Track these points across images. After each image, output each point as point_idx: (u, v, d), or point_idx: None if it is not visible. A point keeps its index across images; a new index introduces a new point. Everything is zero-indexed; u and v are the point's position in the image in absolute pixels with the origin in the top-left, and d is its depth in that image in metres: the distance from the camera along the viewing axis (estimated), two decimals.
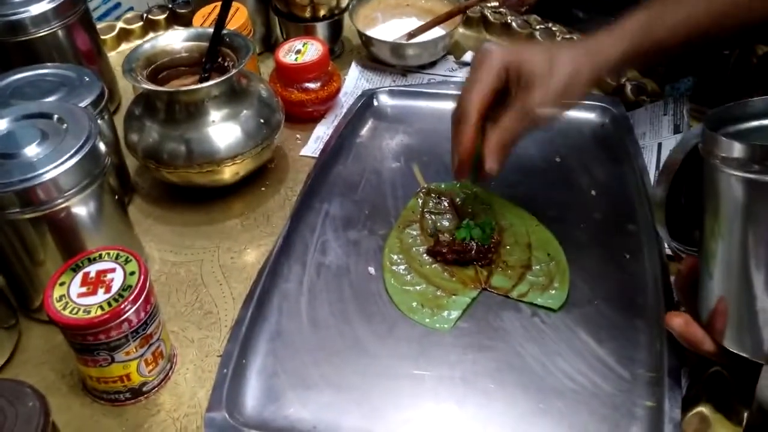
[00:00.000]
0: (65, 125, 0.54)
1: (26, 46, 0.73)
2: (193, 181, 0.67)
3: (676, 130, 0.71)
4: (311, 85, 0.77)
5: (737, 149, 0.38)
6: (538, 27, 0.89)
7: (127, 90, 0.84)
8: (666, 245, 0.50)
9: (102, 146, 0.55)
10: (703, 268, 0.43)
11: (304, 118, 0.79)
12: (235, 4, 0.75)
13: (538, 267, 0.60)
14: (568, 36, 0.86)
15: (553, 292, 0.58)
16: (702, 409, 0.48)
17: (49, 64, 0.67)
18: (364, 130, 0.78)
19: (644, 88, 0.78)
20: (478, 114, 0.57)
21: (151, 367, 0.52)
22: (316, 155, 0.74)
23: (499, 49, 0.58)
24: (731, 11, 0.60)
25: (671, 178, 0.45)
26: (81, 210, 0.54)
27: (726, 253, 0.41)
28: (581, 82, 0.57)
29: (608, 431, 0.48)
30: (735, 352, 0.42)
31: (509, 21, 0.91)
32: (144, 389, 0.53)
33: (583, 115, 0.75)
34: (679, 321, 0.46)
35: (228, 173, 0.67)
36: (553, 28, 0.88)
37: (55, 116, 0.54)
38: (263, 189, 0.72)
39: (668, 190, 0.45)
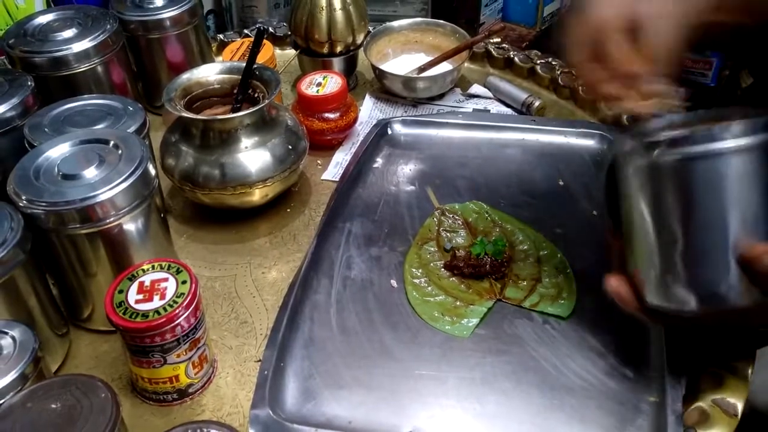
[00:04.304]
0: (120, 150, 0.59)
1: (67, 80, 0.79)
2: (226, 202, 0.73)
3: None
4: (331, 115, 0.83)
5: (628, 143, 0.49)
6: (539, 61, 0.96)
7: (154, 120, 0.90)
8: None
9: (152, 169, 0.60)
10: (625, 242, 0.52)
11: (323, 145, 0.85)
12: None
13: (547, 280, 0.65)
14: (567, 70, 0.93)
15: (562, 302, 0.63)
16: (701, 403, 0.53)
17: (96, 95, 0.72)
18: (380, 157, 0.83)
19: (639, 118, 0.84)
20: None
21: (197, 369, 0.57)
22: (337, 179, 0.80)
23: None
24: None
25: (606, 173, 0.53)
26: (131, 226, 0.59)
27: (635, 226, 0.49)
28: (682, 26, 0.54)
29: (616, 423, 0.53)
30: (653, 304, 0.49)
31: (512, 56, 0.97)
32: (190, 390, 0.57)
33: (584, 142, 0.82)
34: (614, 280, 0.52)
35: (258, 195, 0.73)
36: (553, 62, 0.95)
37: (111, 142, 0.60)
38: (288, 210, 0.77)
39: (607, 183, 0.53)
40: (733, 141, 0.43)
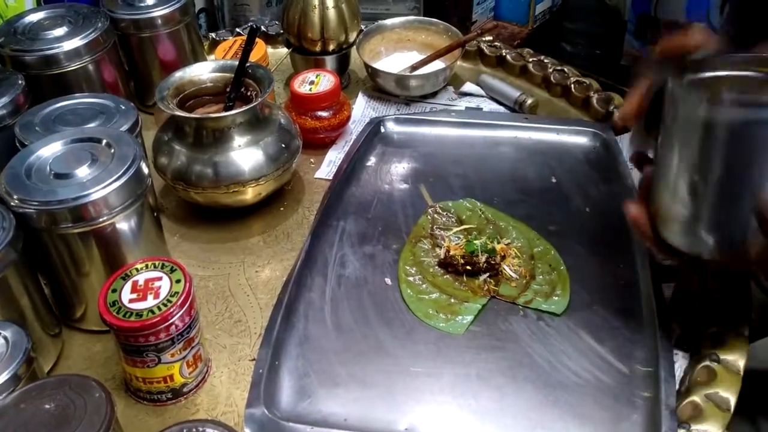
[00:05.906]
0: (113, 149, 0.59)
1: (58, 78, 0.78)
2: (219, 201, 0.73)
3: None
4: (324, 114, 0.83)
5: (688, 90, 0.49)
6: (530, 59, 0.96)
7: (146, 119, 0.89)
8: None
9: (145, 168, 0.60)
10: (654, 174, 0.53)
11: (316, 143, 0.85)
12: None
13: (541, 276, 0.65)
14: (559, 68, 0.93)
15: (556, 298, 0.63)
16: (694, 398, 0.53)
17: (87, 93, 0.72)
18: (373, 155, 0.83)
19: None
20: None
21: (191, 369, 0.56)
22: (330, 178, 0.80)
23: None
24: None
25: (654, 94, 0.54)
26: (124, 225, 0.59)
27: (671, 164, 0.51)
28: None
29: (611, 419, 0.54)
30: (668, 241, 0.52)
31: (504, 54, 0.97)
32: (184, 390, 0.57)
33: (577, 140, 0.82)
34: (635, 207, 0.53)
35: (251, 194, 0.73)
36: (545, 61, 0.95)
37: (104, 141, 0.60)
38: (282, 209, 0.77)
39: (652, 105, 0.54)
40: None
